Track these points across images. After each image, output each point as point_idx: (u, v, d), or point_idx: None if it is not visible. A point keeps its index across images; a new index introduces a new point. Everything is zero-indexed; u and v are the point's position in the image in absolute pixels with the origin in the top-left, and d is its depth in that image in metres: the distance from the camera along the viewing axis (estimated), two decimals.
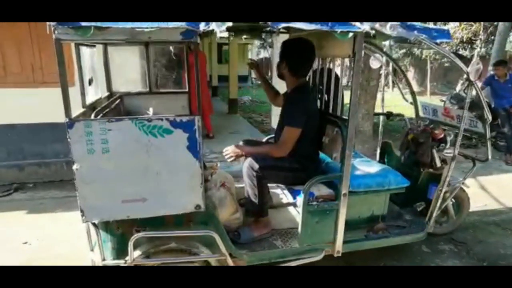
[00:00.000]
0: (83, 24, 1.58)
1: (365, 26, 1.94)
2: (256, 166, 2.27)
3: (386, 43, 4.36)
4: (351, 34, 1.94)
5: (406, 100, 3.54)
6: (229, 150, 2.38)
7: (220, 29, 1.70)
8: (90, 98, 2.37)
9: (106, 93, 2.84)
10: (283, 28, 2.00)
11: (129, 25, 1.61)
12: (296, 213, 2.74)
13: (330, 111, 2.52)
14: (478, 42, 10.81)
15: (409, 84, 3.48)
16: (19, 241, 3.26)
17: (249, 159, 2.31)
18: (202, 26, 1.71)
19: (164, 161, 1.90)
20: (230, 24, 1.73)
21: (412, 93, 3.43)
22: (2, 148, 4.70)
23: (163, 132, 1.86)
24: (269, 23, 1.82)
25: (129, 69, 3.06)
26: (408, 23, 2.17)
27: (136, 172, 1.90)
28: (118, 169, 1.87)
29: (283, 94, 2.70)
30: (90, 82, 2.31)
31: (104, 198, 1.89)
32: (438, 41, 2.27)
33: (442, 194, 2.74)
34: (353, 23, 1.94)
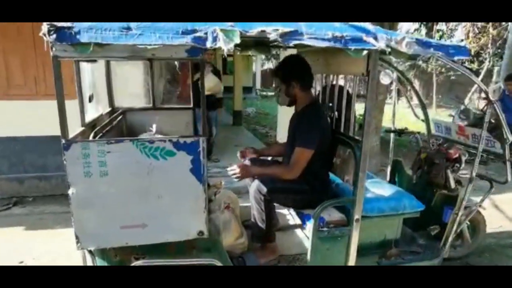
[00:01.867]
0: (83, 40, 1.48)
1: (381, 44, 1.84)
2: (265, 189, 2.15)
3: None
4: (365, 52, 1.83)
5: (418, 117, 3.42)
6: (237, 170, 2.26)
7: (228, 47, 1.60)
8: (91, 115, 2.28)
9: (108, 109, 2.74)
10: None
11: (131, 41, 1.52)
12: (304, 237, 2.60)
13: (342, 130, 2.40)
14: (486, 55, 10.71)
15: (420, 101, 3.36)
16: (15, 260, 3.14)
17: (257, 182, 2.19)
18: (209, 43, 1.61)
19: (166, 184, 1.79)
20: (238, 41, 1.63)
21: (424, 109, 3.31)
22: (4, 160, 4.62)
23: (166, 154, 1.75)
24: (280, 39, 1.72)
25: (132, 84, 2.97)
26: (424, 39, 2.07)
27: (136, 196, 1.78)
28: (117, 194, 1.75)
29: (293, 115, 2.54)
30: (91, 99, 2.22)
31: (101, 224, 1.78)
32: (455, 58, 2.16)
33: (458, 218, 2.60)
34: (367, 39, 1.85)
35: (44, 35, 1.47)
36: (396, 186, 2.75)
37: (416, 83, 17.81)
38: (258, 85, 19.96)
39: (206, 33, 1.61)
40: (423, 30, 17.75)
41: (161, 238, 1.86)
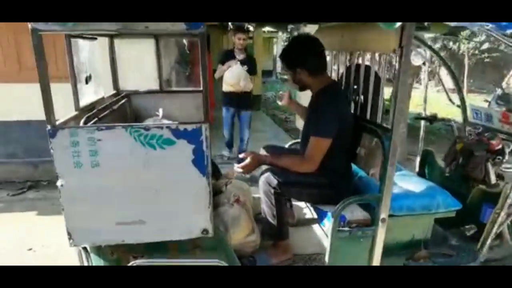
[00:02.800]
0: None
1: None
2: (275, 182, 1.92)
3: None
4: (398, 24, 1.53)
5: (453, 103, 3.06)
6: (246, 162, 2.04)
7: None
8: (89, 98, 2.09)
9: (112, 92, 2.56)
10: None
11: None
12: (322, 234, 2.36)
13: (368, 117, 2.11)
14: None
15: (456, 84, 2.99)
16: (24, 247, 3.09)
17: (267, 174, 1.96)
18: None
19: (165, 177, 1.58)
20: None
21: (460, 94, 2.94)
22: (18, 145, 4.59)
23: (164, 143, 1.53)
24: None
25: (138, 65, 2.76)
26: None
27: (131, 190, 1.59)
28: (111, 187, 1.57)
29: (310, 100, 2.27)
30: (88, 80, 2.02)
31: (94, 220, 1.60)
32: (508, 31, 1.82)
33: (500, 218, 2.28)
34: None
35: None
36: (427, 181, 2.44)
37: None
38: (278, 68, 19.48)
39: None
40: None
41: (160, 236, 1.67)
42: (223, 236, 1.83)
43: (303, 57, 2.05)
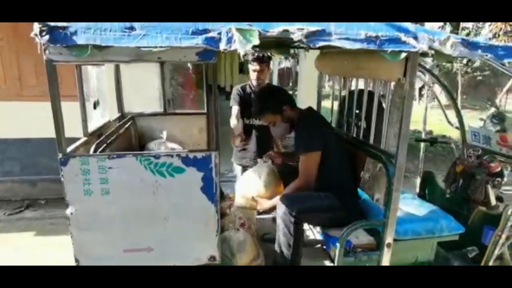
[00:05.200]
0: (79, 42, 1.29)
1: (422, 45, 1.58)
2: (294, 209, 1.94)
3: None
4: (403, 55, 1.58)
5: (451, 125, 3.11)
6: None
7: (244, 49, 1.38)
8: (96, 123, 2.10)
9: (117, 114, 2.57)
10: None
11: (134, 43, 1.32)
12: (327, 257, 2.36)
13: (371, 141, 2.14)
14: None
15: (455, 106, 3.04)
16: None
17: (284, 206, 1.97)
18: (223, 45, 1.40)
19: (174, 204, 1.59)
20: (256, 42, 1.41)
21: (459, 116, 3.00)
22: (16, 162, 4.56)
23: (173, 171, 1.55)
24: (305, 40, 1.49)
25: (143, 88, 2.79)
26: (471, 40, 1.80)
27: (140, 217, 1.59)
28: (120, 214, 1.57)
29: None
30: (96, 105, 2.04)
31: (103, 247, 1.60)
32: (505, 60, 1.88)
33: (501, 240, 2.30)
34: (406, 39, 1.59)
35: (36, 35, 1.29)
36: (430, 204, 2.47)
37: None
38: (275, 83, 19.69)
39: (219, 33, 1.40)
40: (448, 28, 17.10)
41: (168, 262, 1.66)
42: (229, 262, 1.83)
43: (281, 97, 2.22)
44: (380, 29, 1.59)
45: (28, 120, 4.26)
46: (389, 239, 1.87)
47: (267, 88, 2.41)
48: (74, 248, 1.58)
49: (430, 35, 1.63)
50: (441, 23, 16.34)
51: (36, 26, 1.28)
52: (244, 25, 1.43)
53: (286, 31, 1.46)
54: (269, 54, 2.84)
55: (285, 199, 2.01)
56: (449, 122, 3.16)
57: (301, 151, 2.08)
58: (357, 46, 1.52)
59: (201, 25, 1.40)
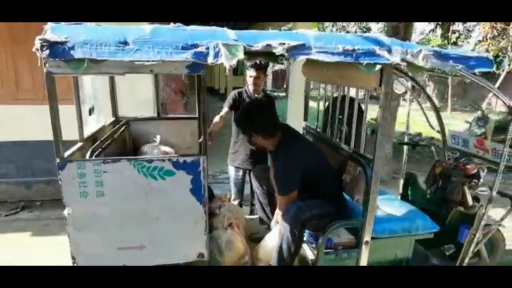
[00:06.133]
0: (77, 56, 1.41)
1: (395, 58, 1.72)
2: (303, 217, 2.06)
3: None
4: (378, 67, 1.71)
5: (433, 128, 3.26)
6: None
7: (230, 63, 1.51)
8: (91, 128, 2.21)
9: (112, 119, 2.68)
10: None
11: (127, 57, 1.44)
12: (311, 255, 2.48)
13: (352, 146, 2.28)
14: (506, 59, 10.35)
15: (436, 111, 3.19)
16: None
17: (293, 210, 2.09)
18: (211, 58, 1.52)
19: (165, 205, 1.71)
20: (241, 56, 1.53)
21: (439, 120, 3.15)
22: (12, 164, 4.63)
23: (164, 174, 1.67)
24: (286, 53, 1.62)
25: (137, 93, 2.90)
26: (443, 51, 1.94)
27: (133, 217, 1.71)
28: (114, 214, 1.68)
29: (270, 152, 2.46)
30: (91, 111, 2.15)
31: (98, 245, 1.71)
32: (476, 70, 2.02)
33: (476, 239, 2.45)
34: (380, 52, 1.73)
35: (37, 50, 1.40)
36: (409, 204, 2.61)
37: (431, 86, 17.43)
38: (269, 86, 19.83)
39: (207, 48, 1.52)
40: (439, 31, 17.33)
41: (159, 260, 1.78)
42: (217, 259, 1.95)
43: (260, 121, 2.22)
44: (356, 42, 1.72)
45: (24, 123, 4.34)
46: (367, 237, 2.00)
47: (253, 105, 2.47)
48: (71, 246, 1.69)
49: (404, 48, 1.77)
50: (432, 26, 16.55)
51: (37, 41, 1.39)
52: (230, 40, 1.55)
53: (269, 45, 1.58)
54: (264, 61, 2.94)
55: (289, 211, 2.10)
56: (430, 125, 3.30)
57: (280, 193, 2.20)
58: (335, 59, 1.65)
59: (190, 39, 1.52)
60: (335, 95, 2.55)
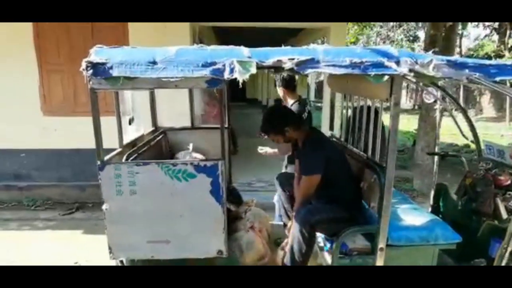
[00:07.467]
0: (114, 75, 1.67)
1: (402, 69, 1.78)
2: (308, 223, 2.16)
3: None
4: (385, 78, 1.79)
5: (466, 138, 3.17)
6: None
7: (243, 77, 1.69)
8: (132, 136, 2.51)
9: (151, 128, 2.98)
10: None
11: (155, 75, 1.68)
12: (325, 261, 2.54)
13: (369, 154, 2.33)
14: None
15: (468, 120, 3.10)
16: (71, 260, 3.51)
17: (303, 212, 2.21)
18: (227, 74, 1.71)
19: (188, 204, 1.91)
20: (254, 71, 1.71)
21: (473, 130, 3.06)
22: (68, 169, 5.20)
23: (187, 176, 1.87)
24: (296, 68, 1.76)
25: (176, 106, 3.20)
26: (459, 60, 1.94)
27: (161, 214, 1.93)
28: (144, 211, 1.91)
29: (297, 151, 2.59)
30: (131, 122, 2.45)
31: (130, 238, 1.95)
32: (498, 79, 1.99)
33: (507, 254, 2.35)
34: (388, 64, 1.80)
35: (83, 70, 1.69)
36: (431, 214, 2.57)
37: (487, 94, 16.30)
38: (312, 96, 19.85)
39: (224, 65, 1.71)
40: (495, 36, 16.25)
41: (183, 254, 1.98)
42: (236, 257, 2.10)
43: (285, 119, 2.40)
44: (365, 55, 1.81)
45: (79, 133, 4.87)
46: (381, 243, 2.04)
47: (274, 108, 2.68)
48: (108, 237, 1.95)
49: (413, 59, 1.82)
50: (487, 31, 15.54)
51: (83, 63, 1.68)
52: (244, 57, 1.74)
53: (279, 61, 1.74)
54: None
55: (299, 213, 2.23)
56: (464, 136, 3.22)
57: (304, 173, 2.30)
58: (342, 71, 1.76)
59: (209, 58, 1.73)
60: (355, 105, 2.63)
